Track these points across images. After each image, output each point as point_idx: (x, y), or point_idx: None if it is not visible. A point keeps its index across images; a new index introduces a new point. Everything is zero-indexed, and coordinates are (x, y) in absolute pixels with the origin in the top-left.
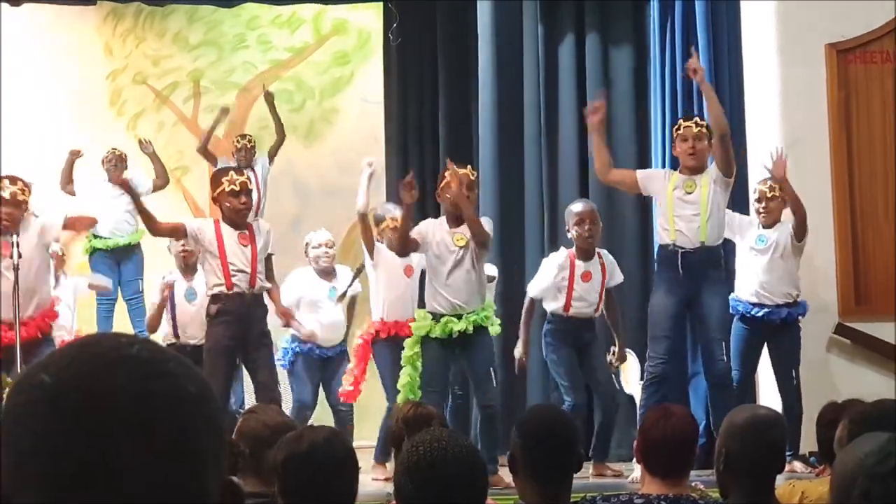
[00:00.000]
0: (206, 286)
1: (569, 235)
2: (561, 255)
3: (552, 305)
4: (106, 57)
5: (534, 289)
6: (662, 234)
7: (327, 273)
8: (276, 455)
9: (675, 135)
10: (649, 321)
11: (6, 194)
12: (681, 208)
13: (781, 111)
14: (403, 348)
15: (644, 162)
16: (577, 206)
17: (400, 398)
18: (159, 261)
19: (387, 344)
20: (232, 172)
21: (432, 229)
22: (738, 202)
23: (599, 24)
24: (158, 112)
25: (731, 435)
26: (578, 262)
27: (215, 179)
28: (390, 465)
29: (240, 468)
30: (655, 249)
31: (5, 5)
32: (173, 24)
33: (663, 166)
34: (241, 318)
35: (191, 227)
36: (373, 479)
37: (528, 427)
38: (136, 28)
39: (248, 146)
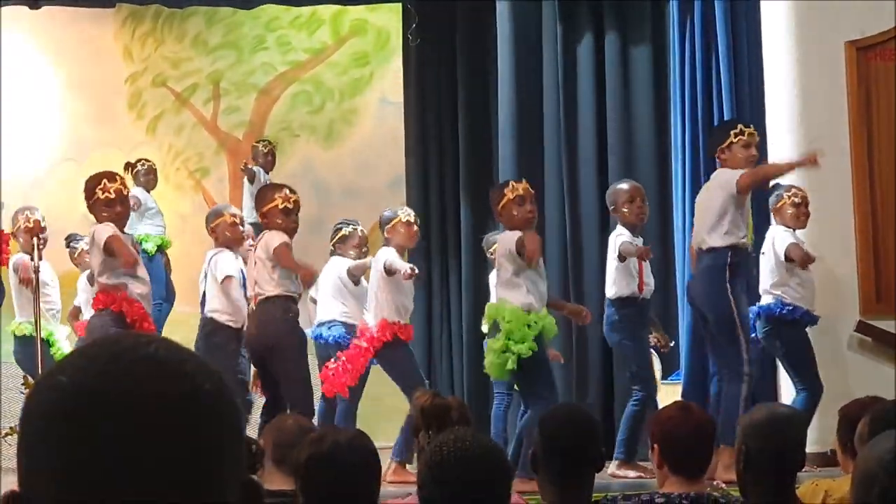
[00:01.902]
0: (272, 285)
1: (616, 216)
2: (625, 234)
3: (624, 289)
4: (125, 59)
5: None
6: (735, 236)
7: None
8: (299, 454)
9: (733, 139)
10: (742, 324)
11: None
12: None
13: (801, 110)
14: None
15: (663, 163)
16: (624, 185)
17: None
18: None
19: (396, 345)
20: (286, 190)
21: None
22: (757, 204)
23: (618, 24)
24: (178, 114)
25: (750, 433)
26: (637, 239)
27: (266, 195)
28: (410, 468)
29: (259, 466)
30: (679, 249)
31: (24, 8)
32: (192, 27)
33: (683, 167)
34: None
35: None
36: (389, 481)
37: (549, 425)
38: (156, 30)
39: (272, 151)
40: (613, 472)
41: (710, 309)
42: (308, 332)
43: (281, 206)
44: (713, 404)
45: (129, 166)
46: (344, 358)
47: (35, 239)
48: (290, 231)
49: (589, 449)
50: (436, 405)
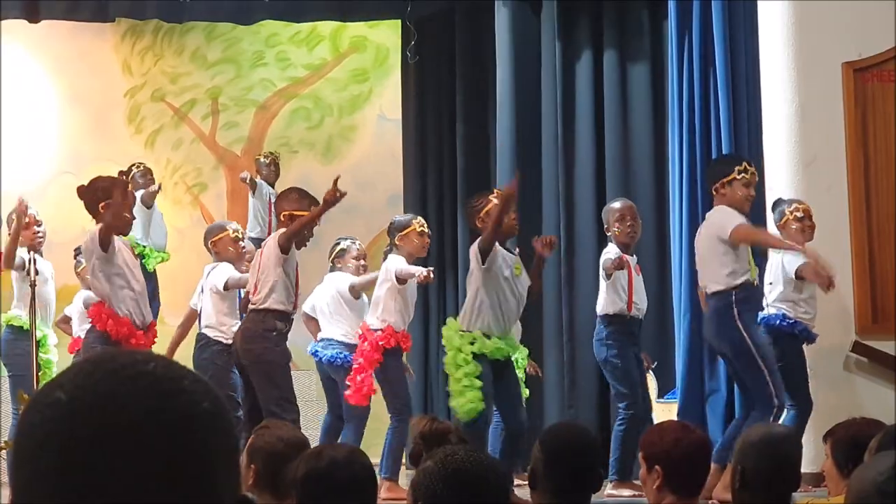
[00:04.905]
0: (261, 298)
1: (608, 234)
2: (613, 251)
3: (612, 306)
4: (124, 74)
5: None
6: (740, 272)
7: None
8: (296, 470)
9: (736, 175)
10: (762, 355)
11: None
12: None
13: (799, 129)
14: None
15: (661, 182)
16: (616, 204)
17: (466, 414)
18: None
19: (396, 353)
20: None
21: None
22: (756, 220)
23: (617, 41)
24: (177, 129)
25: (746, 452)
26: (627, 258)
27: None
28: (403, 483)
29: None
30: (675, 268)
31: (24, 21)
32: (191, 42)
33: (680, 185)
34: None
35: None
36: (383, 499)
37: (552, 443)
38: (155, 45)
39: (275, 163)
40: (609, 493)
41: (727, 347)
42: (309, 347)
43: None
44: (731, 426)
45: (123, 175)
46: (359, 367)
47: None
48: (300, 244)
49: (590, 468)
50: (435, 430)
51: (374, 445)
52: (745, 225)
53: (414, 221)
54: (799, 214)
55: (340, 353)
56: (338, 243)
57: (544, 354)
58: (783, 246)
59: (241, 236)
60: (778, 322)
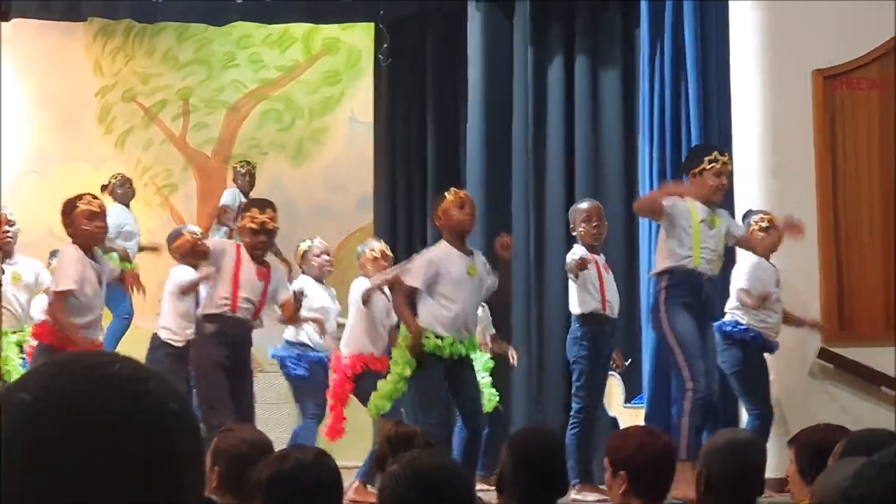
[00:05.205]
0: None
1: (575, 234)
2: (578, 251)
3: (586, 305)
4: (95, 73)
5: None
6: (683, 257)
7: (321, 283)
8: (262, 472)
9: (706, 165)
10: (680, 343)
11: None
12: (704, 238)
13: (768, 136)
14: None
15: (631, 185)
16: (583, 204)
17: (374, 406)
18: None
19: (372, 375)
20: (255, 209)
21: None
22: None
23: (589, 46)
24: (147, 130)
25: (711, 457)
26: (594, 257)
27: (243, 212)
28: (371, 489)
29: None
30: (644, 270)
31: None
32: (163, 42)
33: (651, 187)
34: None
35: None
36: (349, 500)
37: (520, 447)
38: (126, 46)
39: (251, 174)
40: (573, 497)
41: (657, 331)
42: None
43: (248, 226)
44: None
45: (104, 188)
46: (332, 405)
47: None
48: (253, 249)
49: (557, 472)
50: (400, 433)
51: (339, 449)
52: (645, 196)
53: (366, 249)
54: (764, 224)
55: (290, 352)
56: (298, 245)
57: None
58: (678, 191)
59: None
60: (729, 329)
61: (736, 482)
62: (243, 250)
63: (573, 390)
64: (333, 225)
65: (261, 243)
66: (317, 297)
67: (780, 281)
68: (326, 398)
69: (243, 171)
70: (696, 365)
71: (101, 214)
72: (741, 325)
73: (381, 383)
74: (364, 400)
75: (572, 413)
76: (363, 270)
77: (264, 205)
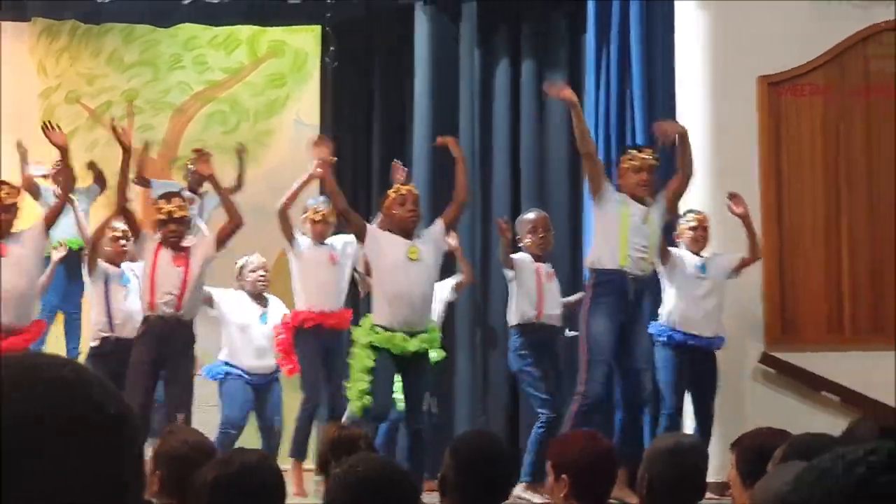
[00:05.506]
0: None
1: (520, 245)
2: (525, 258)
3: (521, 316)
4: (40, 74)
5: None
6: (605, 257)
7: (260, 298)
8: (206, 475)
9: (624, 164)
10: (589, 343)
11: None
12: (633, 236)
13: (713, 142)
14: (326, 339)
15: (576, 191)
16: (529, 215)
17: (357, 407)
18: None
19: (311, 333)
20: (162, 201)
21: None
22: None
23: (535, 50)
24: (91, 131)
25: (653, 460)
26: (539, 265)
27: (155, 203)
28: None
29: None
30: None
31: None
32: (109, 43)
33: None
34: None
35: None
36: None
37: (464, 451)
38: (71, 46)
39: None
40: (519, 495)
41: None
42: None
43: (157, 217)
44: (617, 431)
45: (45, 177)
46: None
47: None
48: (166, 239)
49: (501, 476)
50: (344, 437)
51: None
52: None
53: (310, 209)
54: (693, 224)
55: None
56: (236, 262)
57: (457, 362)
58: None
59: (120, 236)
60: (655, 332)
61: (678, 485)
62: (162, 246)
63: (533, 401)
64: (275, 228)
65: (171, 232)
66: (245, 312)
67: (717, 276)
68: (244, 420)
69: (193, 168)
70: (596, 370)
71: (11, 207)
72: (663, 326)
73: (348, 384)
74: (303, 357)
75: (543, 412)
76: (303, 228)
77: (171, 195)
